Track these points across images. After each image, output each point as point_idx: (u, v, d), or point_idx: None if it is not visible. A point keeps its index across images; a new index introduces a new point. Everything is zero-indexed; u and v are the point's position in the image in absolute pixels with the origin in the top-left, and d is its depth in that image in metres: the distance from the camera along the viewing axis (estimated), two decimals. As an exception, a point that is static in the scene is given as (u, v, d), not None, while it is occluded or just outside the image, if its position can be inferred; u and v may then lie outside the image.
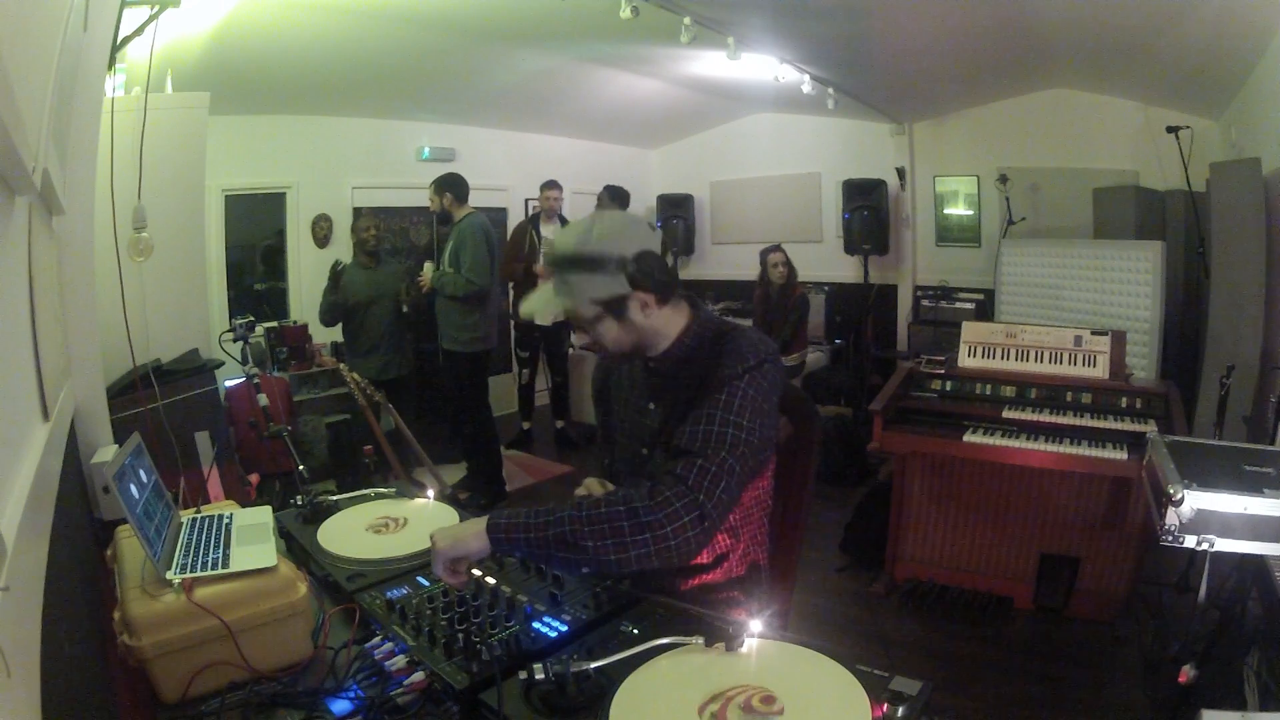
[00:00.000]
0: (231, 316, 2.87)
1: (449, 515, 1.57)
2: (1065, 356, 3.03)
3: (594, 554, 1.11)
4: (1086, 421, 2.79)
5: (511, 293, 5.11)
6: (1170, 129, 3.99)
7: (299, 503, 1.62)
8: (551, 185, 4.98)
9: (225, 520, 1.31)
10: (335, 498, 1.66)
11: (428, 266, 4.18)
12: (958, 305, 5.47)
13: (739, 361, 1.27)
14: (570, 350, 5.47)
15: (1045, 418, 2.85)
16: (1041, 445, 2.73)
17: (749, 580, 1.46)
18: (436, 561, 1.17)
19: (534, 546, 1.15)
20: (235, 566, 1.12)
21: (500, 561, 1.35)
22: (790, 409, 1.59)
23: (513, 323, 5.43)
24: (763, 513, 1.48)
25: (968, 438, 2.83)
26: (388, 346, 4.21)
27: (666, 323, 1.37)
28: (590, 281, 1.29)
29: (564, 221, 4.91)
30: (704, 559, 1.42)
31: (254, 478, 3.13)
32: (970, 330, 3.25)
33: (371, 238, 4.18)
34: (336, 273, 4.05)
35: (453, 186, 4.07)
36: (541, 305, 1.35)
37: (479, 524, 1.18)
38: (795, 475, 1.55)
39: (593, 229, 1.30)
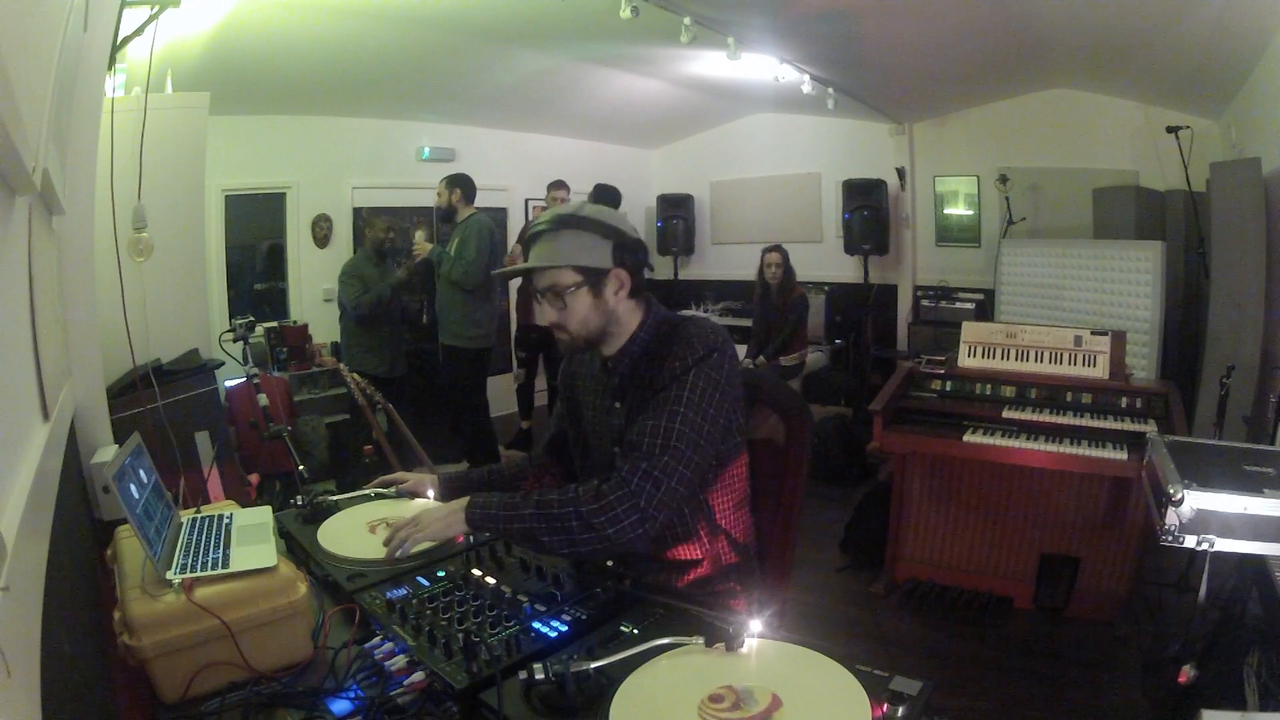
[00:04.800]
0: (231, 316, 2.88)
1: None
2: (1065, 356, 3.02)
3: (550, 547, 1.27)
4: (1086, 421, 2.79)
5: (515, 294, 5.10)
6: (1170, 129, 3.99)
7: (299, 503, 1.62)
8: (559, 185, 4.90)
9: (225, 520, 1.31)
10: (335, 498, 1.66)
11: (419, 234, 4.20)
12: (958, 305, 5.48)
13: (688, 353, 1.33)
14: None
15: (1045, 418, 2.84)
16: (1041, 445, 2.73)
17: (742, 567, 1.48)
18: (423, 539, 1.33)
19: (501, 535, 1.35)
20: (235, 566, 1.12)
21: (500, 561, 1.36)
22: (783, 408, 1.60)
23: (514, 323, 5.43)
24: (740, 500, 1.50)
25: (968, 438, 2.83)
26: (389, 346, 4.21)
27: (628, 315, 1.42)
28: (580, 243, 1.36)
29: None
30: (693, 554, 1.45)
31: (254, 478, 3.13)
32: (970, 330, 3.25)
33: (388, 239, 4.19)
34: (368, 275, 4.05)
35: (463, 184, 4.12)
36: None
37: (459, 508, 1.33)
38: (789, 474, 1.56)
39: (588, 203, 1.43)
